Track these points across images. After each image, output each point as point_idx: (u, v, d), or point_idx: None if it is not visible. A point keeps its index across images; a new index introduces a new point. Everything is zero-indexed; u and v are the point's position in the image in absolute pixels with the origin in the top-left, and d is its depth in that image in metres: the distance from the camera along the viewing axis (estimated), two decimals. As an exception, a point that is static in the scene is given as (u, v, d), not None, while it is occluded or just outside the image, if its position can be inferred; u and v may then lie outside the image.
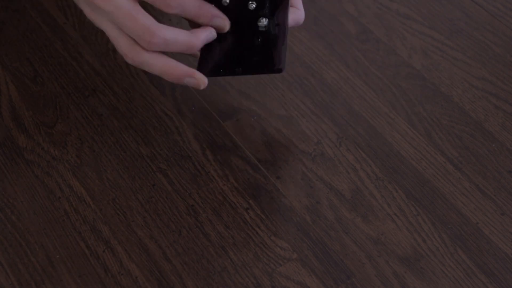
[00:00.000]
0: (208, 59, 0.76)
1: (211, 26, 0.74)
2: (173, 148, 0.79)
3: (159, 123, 0.81)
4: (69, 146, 0.79)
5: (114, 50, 0.87)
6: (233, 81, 0.85)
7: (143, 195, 0.75)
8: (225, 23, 0.74)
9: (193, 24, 0.76)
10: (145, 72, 0.85)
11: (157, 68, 0.72)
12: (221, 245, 0.72)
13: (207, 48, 0.75)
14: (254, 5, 0.75)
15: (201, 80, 0.73)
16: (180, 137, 0.80)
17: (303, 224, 0.73)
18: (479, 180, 0.77)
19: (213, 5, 0.74)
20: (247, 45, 0.76)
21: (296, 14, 0.76)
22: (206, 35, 0.73)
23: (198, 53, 0.75)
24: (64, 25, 0.91)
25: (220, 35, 0.75)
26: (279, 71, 0.76)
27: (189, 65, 0.73)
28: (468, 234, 0.73)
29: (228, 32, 0.75)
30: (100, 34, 0.89)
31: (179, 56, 0.79)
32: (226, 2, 0.74)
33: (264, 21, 0.75)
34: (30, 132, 0.80)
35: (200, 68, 0.75)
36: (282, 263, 0.71)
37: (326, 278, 0.70)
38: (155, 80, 0.85)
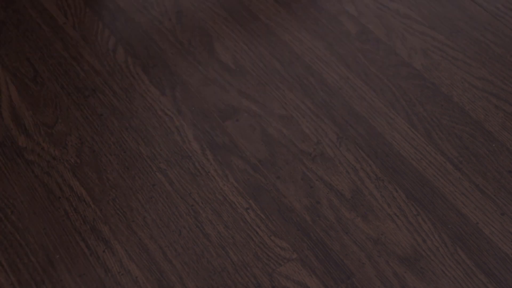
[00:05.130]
0: None
1: None
2: (173, 148, 0.79)
3: (159, 123, 0.81)
4: (69, 146, 0.79)
5: (114, 50, 0.87)
6: (233, 81, 0.85)
7: (143, 195, 0.75)
8: None
9: None
10: (145, 72, 0.85)
11: None
12: (221, 245, 0.72)
13: None
14: None
15: None
16: (180, 137, 0.80)
17: (303, 224, 0.73)
18: (479, 180, 0.77)
19: None
20: None
21: None
22: None
23: None
24: (64, 25, 0.91)
25: None
26: None
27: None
28: (468, 234, 0.73)
29: None
30: (100, 34, 0.89)
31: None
32: None
33: None
34: (30, 132, 0.80)
35: None
36: (282, 263, 0.71)
37: (326, 278, 0.70)
38: (155, 80, 0.85)
